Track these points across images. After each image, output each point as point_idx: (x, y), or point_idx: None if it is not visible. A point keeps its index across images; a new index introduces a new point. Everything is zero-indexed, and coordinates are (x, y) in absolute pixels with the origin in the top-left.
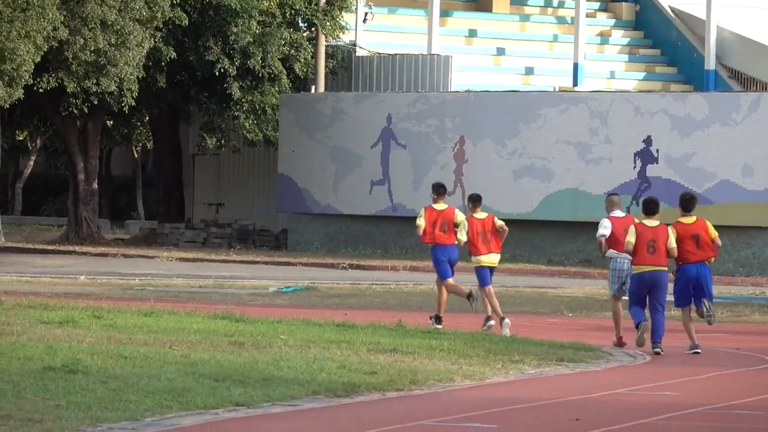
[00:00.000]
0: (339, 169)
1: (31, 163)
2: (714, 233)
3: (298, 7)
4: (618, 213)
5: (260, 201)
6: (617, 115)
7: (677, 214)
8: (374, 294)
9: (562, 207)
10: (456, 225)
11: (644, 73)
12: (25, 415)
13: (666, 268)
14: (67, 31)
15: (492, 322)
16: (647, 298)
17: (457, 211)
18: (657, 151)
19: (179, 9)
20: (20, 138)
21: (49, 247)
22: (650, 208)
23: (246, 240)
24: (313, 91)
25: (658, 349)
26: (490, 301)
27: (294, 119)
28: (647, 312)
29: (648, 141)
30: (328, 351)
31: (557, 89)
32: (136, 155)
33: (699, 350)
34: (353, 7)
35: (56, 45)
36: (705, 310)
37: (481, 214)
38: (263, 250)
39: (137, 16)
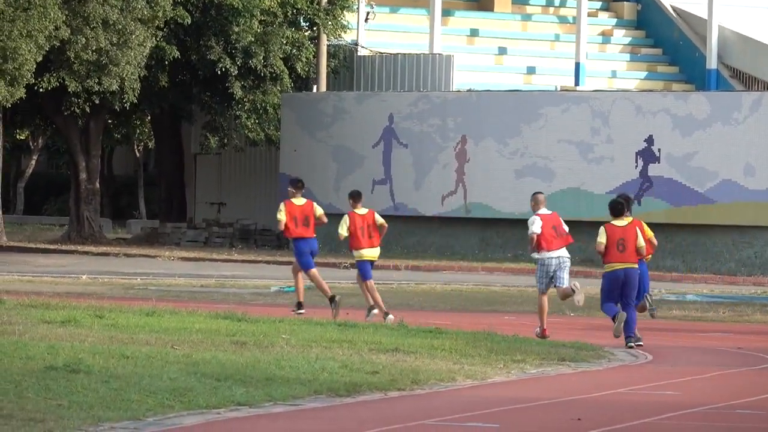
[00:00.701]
0: (341, 169)
1: (33, 162)
2: (649, 233)
3: (299, 7)
4: (544, 211)
5: (262, 200)
6: (619, 115)
7: (677, 214)
8: None
9: (564, 206)
10: (316, 218)
11: (646, 73)
12: (26, 415)
13: (636, 266)
14: (69, 31)
15: (375, 311)
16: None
17: (315, 204)
18: (659, 150)
19: (181, 8)
20: (22, 137)
21: (51, 247)
22: (618, 209)
23: (248, 239)
24: (314, 90)
25: (632, 343)
26: (372, 296)
27: (296, 119)
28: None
29: (650, 140)
30: (330, 350)
31: (559, 89)
32: (137, 155)
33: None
34: (355, 7)
35: (58, 44)
36: (647, 304)
37: (362, 210)
38: (265, 250)
39: (139, 16)
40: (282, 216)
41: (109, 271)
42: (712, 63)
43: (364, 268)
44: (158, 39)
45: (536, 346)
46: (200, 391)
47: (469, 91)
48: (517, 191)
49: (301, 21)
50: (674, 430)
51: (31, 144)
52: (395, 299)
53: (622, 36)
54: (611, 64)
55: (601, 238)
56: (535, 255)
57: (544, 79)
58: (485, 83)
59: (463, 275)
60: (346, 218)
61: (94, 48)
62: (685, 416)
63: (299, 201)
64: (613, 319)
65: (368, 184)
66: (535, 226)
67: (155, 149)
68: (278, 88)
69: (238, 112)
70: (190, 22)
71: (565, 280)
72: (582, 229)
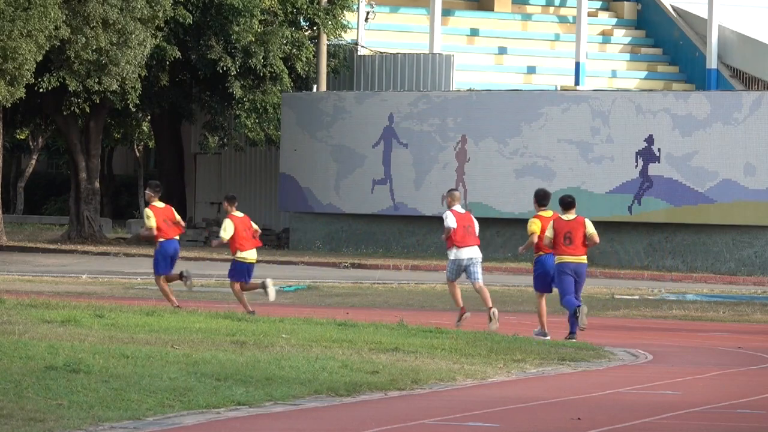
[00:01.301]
0: (341, 169)
1: (33, 162)
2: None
3: (299, 6)
4: (458, 208)
5: (262, 200)
6: (619, 114)
7: (677, 214)
8: (376, 293)
9: None
10: (176, 222)
11: (646, 72)
12: (26, 415)
13: (585, 259)
14: (69, 30)
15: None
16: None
17: (173, 209)
18: (659, 150)
19: (181, 8)
20: (22, 137)
21: (51, 247)
22: (567, 203)
23: None
24: (314, 90)
25: (574, 338)
26: (244, 295)
27: (296, 118)
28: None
29: (650, 140)
30: (330, 350)
31: (559, 88)
32: (137, 154)
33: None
34: (355, 6)
35: (58, 44)
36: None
37: (239, 213)
38: (265, 249)
39: (139, 15)
40: (152, 222)
41: (109, 271)
42: (712, 63)
43: (241, 270)
44: (158, 39)
45: (536, 345)
46: (200, 391)
47: (469, 90)
48: (517, 191)
49: (301, 20)
50: (674, 430)
51: (31, 144)
52: (395, 299)
53: (622, 36)
54: (611, 63)
55: (549, 232)
56: (451, 251)
57: (544, 79)
58: (485, 83)
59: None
60: (229, 221)
61: (94, 48)
62: (685, 416)
63: (161, 204)
64: (575, 314)
65: (368, 183)
66: (450, 220)
67: (155, 149)
68: (278, 87)
69: (238, 112)
70: (190, 22)
71: (479, 275)
72: None
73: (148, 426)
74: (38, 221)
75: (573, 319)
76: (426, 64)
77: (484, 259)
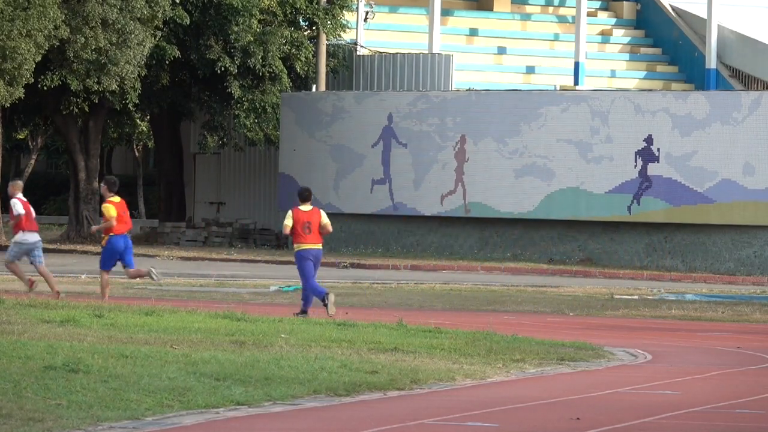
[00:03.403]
0: (340, 168)
1: (32, 162)
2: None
3: (299, 6)
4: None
5: (261, 200)
6: (618, 114)
7: (677, 214)
8: (375, 293)
9: (563, 206)
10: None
11: (645, 72)
12: (25, 415)
13: (321, 247)
14: (68, 30)
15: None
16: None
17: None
18: (658, 150)
19: (180, 8)
20: (21, 137)
21: (50, 246)
22: (304, 195)
23: (247, 239)
24: (314, 89)
25: (301, 316)
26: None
27: (295, 118)
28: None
29: (649, 140)
30: (329, 350)
31: (558, 88)
32: (137, 154)
33: None
34: (354, 6)
35: (57, 44)
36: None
37: (116, 198)
38: (264, 249)
39: (138, 15)
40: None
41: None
42: (712, 62)
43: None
44: (157, 38)
45: (535, 345)
46: (199, 391)
47: (468, 90)
48: (516, 191)
49: (301, 20)
50: (674, 430)
51: (30, 143)
52: (395, 298)
53: (621, 35)
54: (611, 63)
55: (288, 221)
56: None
57: (543, 79)
58: (484, 83)
59: (463, 275)
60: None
61: (93, 47)
62: (684, 416)
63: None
64: (324, 301)
65: (367, 183)
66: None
67: (154, 149)
68: (277, 87)
69: (237, 112)
70: (189, 22)
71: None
72: (581, 229)
73: (147, 426)
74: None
75: (309, 297)
76: (425, 64)
77: (485, 259)
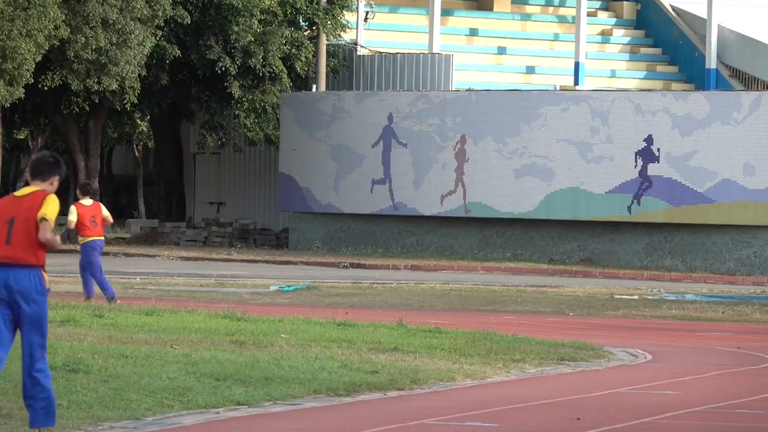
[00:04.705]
0: (340, 168)
1: None
2: (106, 214)
3: (299, 6)
4: (87, 201)
5: (261, 200)
6: (618, 114)
7: (677, 214)
8: (375, 293)
9: (563, 206)
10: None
11: (645, 72)
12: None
13: (103, 237)
14: (69, 30)
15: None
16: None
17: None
18: (658, 150)
19: (180, 8)
20: (21, 137)
21: None
22: (86, 189)
23: (247, 239)
24: (314, 90)
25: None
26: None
27: (295, 118)
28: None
29: (649, 140)
30: (329, 350)
31: (558, 88)
32: (137, 154)
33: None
34: (354, 6)
35: (57, 44)
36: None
37: (87, 201)
38: (264, 249)
39: (138, 15)
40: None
41: (108, 271)
42: (712, 62)
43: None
44: (158, 38)
45: (535, 345)
46: (199, 391)
47: (468, 90)
48: (516, 191)
49: (301, 20)
50: (673, 430)
51: (30, 143)
52: (395, 298)
53: (621, 35)
54: (611, 63)
55: (72, 216)
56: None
57: (543, 79)
58: (484, 83)
59: (463, 275)
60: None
61: (93, 47)
62: (684, 416)
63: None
64: (110, 300)
65: (367, 183)
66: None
67: (154, 149)
68: (277, 87)
69: (237, 112)
70: (189, 22)
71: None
72: (581, 229)
73: (147, 426)
74: None
75: (91, 285)
76: (425, 64)
77: (485, 259)
